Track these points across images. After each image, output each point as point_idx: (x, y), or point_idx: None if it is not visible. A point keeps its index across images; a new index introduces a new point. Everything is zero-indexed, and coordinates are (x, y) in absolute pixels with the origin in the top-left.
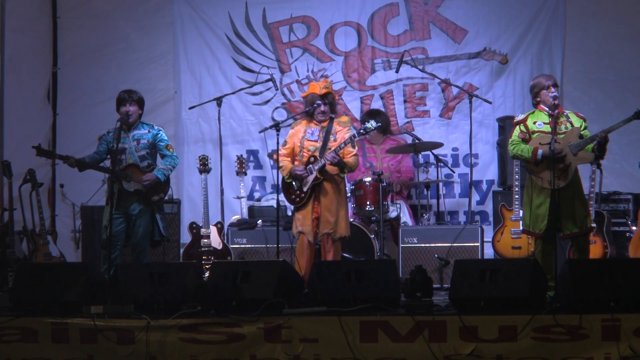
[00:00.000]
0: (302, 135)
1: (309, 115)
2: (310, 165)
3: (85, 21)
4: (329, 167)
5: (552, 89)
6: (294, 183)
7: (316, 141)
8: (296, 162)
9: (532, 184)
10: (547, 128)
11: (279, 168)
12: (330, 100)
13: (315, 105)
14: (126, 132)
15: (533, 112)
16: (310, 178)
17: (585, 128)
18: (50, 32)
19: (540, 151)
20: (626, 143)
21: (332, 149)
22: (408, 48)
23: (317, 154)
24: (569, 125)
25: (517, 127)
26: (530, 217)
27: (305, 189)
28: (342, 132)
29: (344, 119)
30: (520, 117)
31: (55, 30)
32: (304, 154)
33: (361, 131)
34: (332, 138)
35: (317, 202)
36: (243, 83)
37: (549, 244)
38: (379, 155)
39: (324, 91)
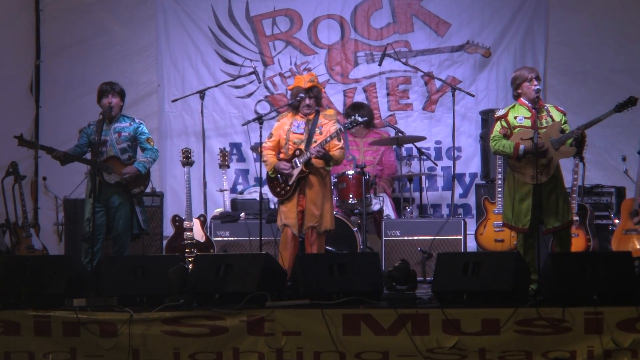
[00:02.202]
0: (287, 127)
1: (294, 108)
2: (296, 159)
3: (68, 14)
4: (314, 160)
5: (535, 82)
6: (279, 176)
7: (302, 134)
8: (281, 155)
9: (514, 179)
10: (528, 123)
11: (263, 161)
12: (315, 93)
13: (299, 98)
14: (107, 124)
15: (513, 107)
16: (296, 171)
17: (565, 122)
18: (33, 25)
19: (522, 147)
20: (609, 136)
21: (318, 142)
22: (391, 41)
23: (302, 146)
24: (549, 119)
25: (498, 122)
26: (512, 212)
27: (290, 182)
28: (328, 125)
29: (330, 112)
30: (501, 112)
31: (38, 23)
32: (290, 146)
33: (347, 125)
34: (317, 131)
35: (303, 195)
36: (226, 76)
37: (531, 237)
38: (361, 149)
39: (308, 85)
